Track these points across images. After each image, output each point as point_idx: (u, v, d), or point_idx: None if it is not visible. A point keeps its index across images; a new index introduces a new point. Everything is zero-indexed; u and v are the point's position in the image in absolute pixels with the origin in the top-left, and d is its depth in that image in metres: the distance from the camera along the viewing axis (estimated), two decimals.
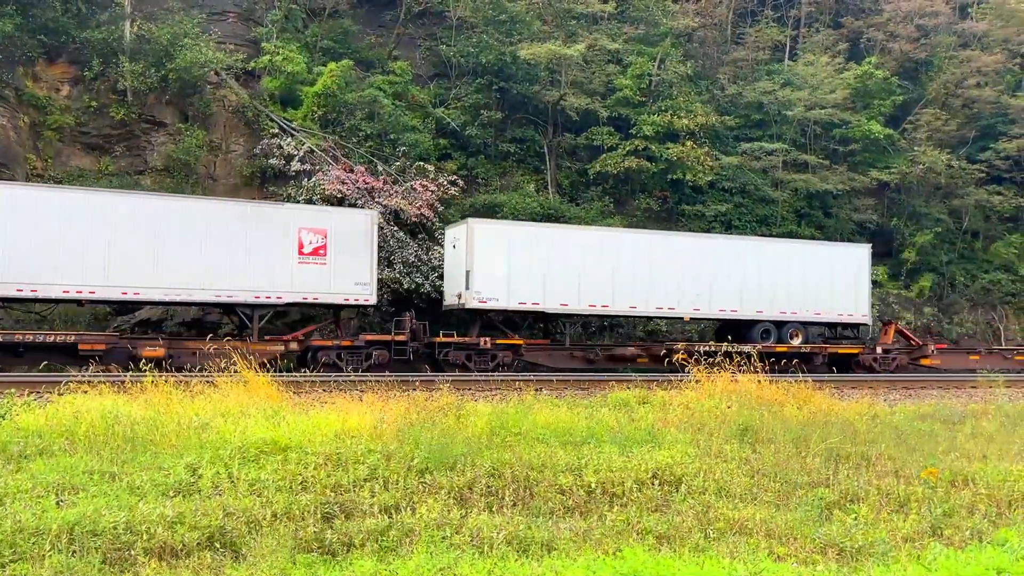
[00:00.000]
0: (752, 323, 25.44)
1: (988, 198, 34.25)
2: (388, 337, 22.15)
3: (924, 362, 27.36)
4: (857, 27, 37.01)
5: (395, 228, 25.12)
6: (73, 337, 19.15)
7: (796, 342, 25.67)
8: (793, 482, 9.16)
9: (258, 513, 7.32)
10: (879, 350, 26.56)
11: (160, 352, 19.20)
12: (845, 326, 27.31)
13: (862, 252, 27.33)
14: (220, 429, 9.73)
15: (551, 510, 8.07)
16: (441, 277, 25.18)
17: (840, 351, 26.23)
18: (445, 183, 26.49)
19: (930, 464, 9.77)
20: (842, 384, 20.36)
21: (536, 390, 15.60)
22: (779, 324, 25.69)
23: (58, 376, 15.86)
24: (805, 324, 26.10)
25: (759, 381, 14.36)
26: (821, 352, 25.83)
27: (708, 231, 31.23)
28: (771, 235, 31.91)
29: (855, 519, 8.06)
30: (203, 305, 21.87)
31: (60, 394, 12.47)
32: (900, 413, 14.56)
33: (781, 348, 25.02)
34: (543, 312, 23.76)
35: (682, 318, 25.29)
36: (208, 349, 18.17)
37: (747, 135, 33.01)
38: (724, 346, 22.98)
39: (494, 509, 7.96)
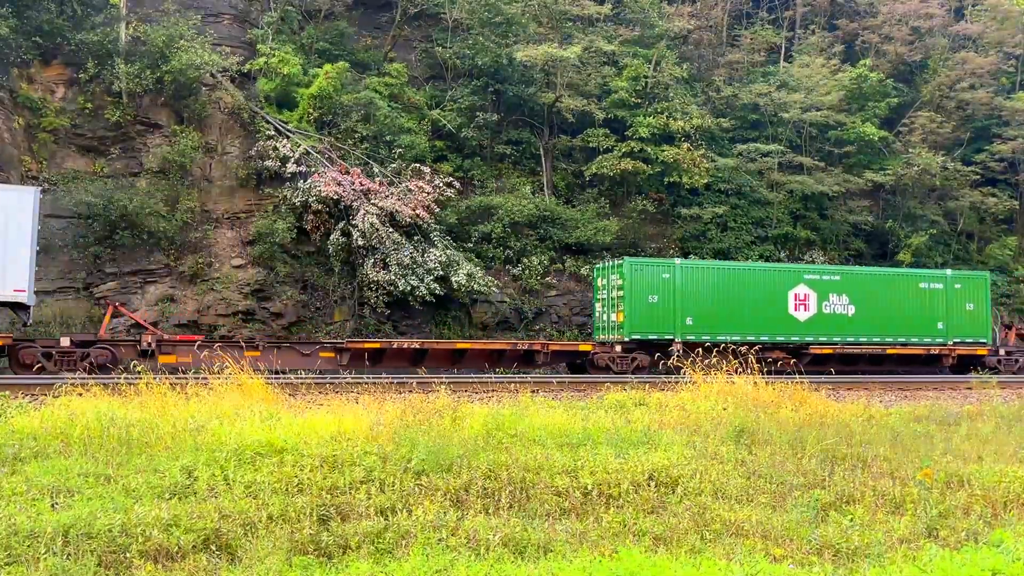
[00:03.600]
0: None
1: (983, 200, 34.32)
2: None
3: (166, 360, 19.39)
4: (852, 29, 37.08)
5: (390, 230, 25.11)
6: None
7: None
8: (789, 483, 9.17)
9: (254, 515, 7.31)
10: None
11: None
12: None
13: (22, 197, 18.97)
14: (215, 431, 9.71)
15: (547, 512, 8.06)
16: (436, 279, 25.20)
17: None
18: (441, 185, 26.49)
19: (926, 465, 9.78)
20: (838, 386, 20.42)
21: (532, 391, 15.62)
22: None
23: (53, 379, 15.83)
24: None
25: (755, 383, 14.41)
26: None
27: (704, 233, 31.28)
28: (767, 238, 31.98)
29: (851, 520, 8.07)
30: None
31: (55, 396, 12.45)
32: (896, 415, 14.59)
33: None
34: None
35: None
36: None
37: (743, 137, 33.05)
38: None
39: (490, 511, 7.95)
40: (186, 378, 13.42)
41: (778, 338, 24.79)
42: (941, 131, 34.31)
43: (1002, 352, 27.90)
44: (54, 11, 24.57)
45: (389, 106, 27.93)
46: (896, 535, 7.74)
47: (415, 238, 26.03)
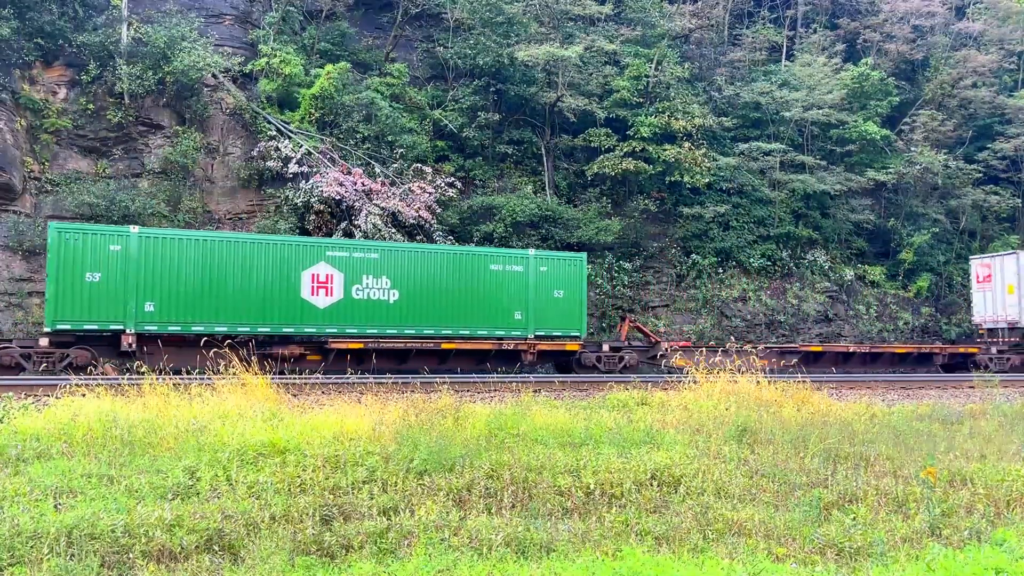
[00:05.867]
0: None
1: (985, 198, 34.30)
2: None
3: None
4: (853, 28, 37.07)
5: (393, 230, 25.13)
6: None
7: None
8: (791, 483, 9.15)
9: (256, 516, 7.31)
10: None
11: None
12: None
13: None
14: (218, 432, 9.72)
15: (550, 512, 8.06)
16: None
17: None
18: (443, 185, 26.52)
19: (928, 464, 9.76)
20: (840, 384, 20.43)
21: (534, 391, 15.64)
22: None
23: (55, 379, 15.85)
24: None
25: (758, 382, 14.41)
26: None
27: (706, 232, 31.28)
28: (769, 237, 31.94)
29: (853, 519, 8.06)
30: None
31: (57, 397, 12.46)
32: (898, 413, 14.57)
33: None
34: None
35: None
36: None
37: (744, 136, 33.03)
38: None
39: (493, 511, 7.95)
40: (190, 378, 13.43)
41: (285, 329, 20.02)
42: (943, 129, 34.28)
43: (605, 347, 23.47)
44: (56, 12, 24.61)
45: (391, 106, 27.95)
46: (899, 534, 7.72)
47: (418, 238, 26.06)
